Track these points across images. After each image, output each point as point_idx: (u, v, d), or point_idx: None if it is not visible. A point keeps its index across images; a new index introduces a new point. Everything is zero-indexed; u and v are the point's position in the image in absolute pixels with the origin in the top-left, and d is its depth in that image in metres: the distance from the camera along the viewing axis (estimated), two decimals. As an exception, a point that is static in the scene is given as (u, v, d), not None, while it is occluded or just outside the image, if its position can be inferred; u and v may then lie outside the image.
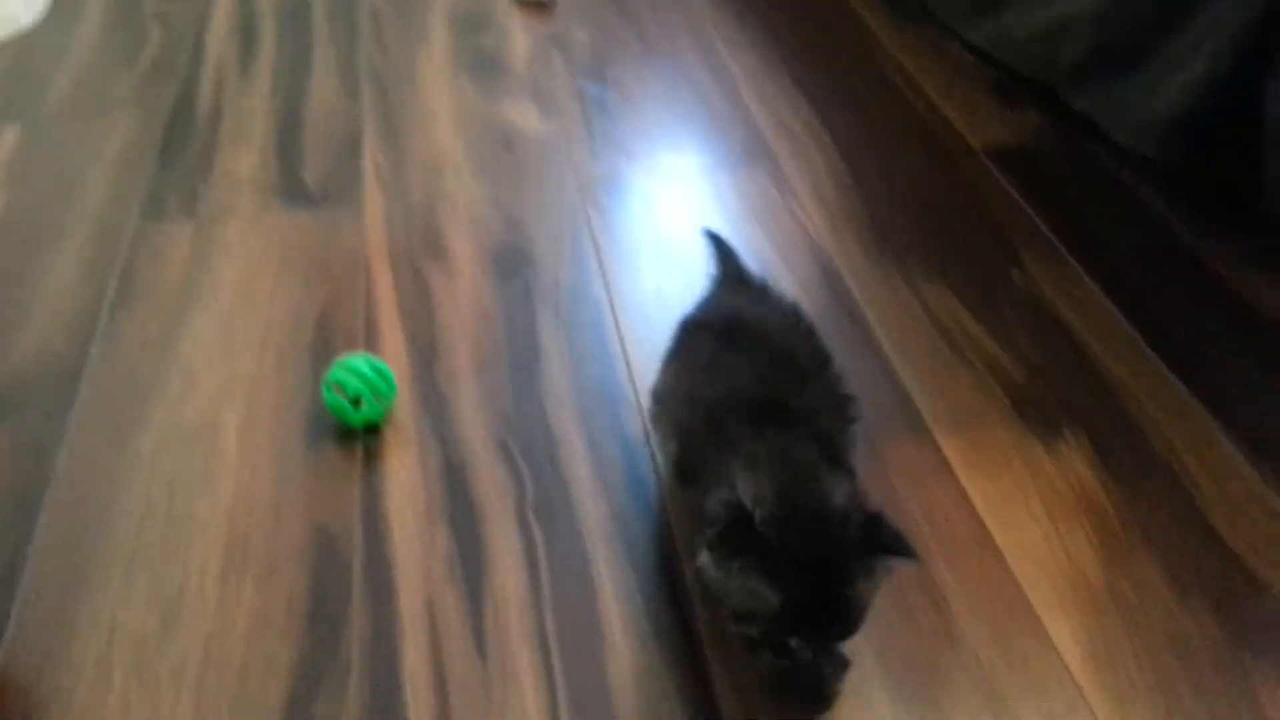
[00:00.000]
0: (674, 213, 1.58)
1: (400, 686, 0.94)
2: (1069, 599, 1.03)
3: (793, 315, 1.08)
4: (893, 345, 1.33)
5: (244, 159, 1.68)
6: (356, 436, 1.18)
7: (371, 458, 1.16)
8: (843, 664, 0.92)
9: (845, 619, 0.83)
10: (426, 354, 1.30)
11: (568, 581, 1.04)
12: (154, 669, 0.95)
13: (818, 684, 0.92)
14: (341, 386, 1.15)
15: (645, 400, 1.16)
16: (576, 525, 1.09)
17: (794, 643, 0.83)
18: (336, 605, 1.00)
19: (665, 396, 1.07)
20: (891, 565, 0.83)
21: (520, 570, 1.04)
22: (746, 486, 0.83)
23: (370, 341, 1.31)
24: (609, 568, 1.05)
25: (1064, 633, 1.01)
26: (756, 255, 1.45)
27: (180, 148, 1.70)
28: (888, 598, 0.99)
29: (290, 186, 1.61)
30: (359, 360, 1.17)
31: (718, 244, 1.29)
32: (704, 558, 0.83)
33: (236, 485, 1.12)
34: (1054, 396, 1.25)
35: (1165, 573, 1.06)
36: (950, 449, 1.18)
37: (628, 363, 1.29)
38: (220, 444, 1.17)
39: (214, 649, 0.96)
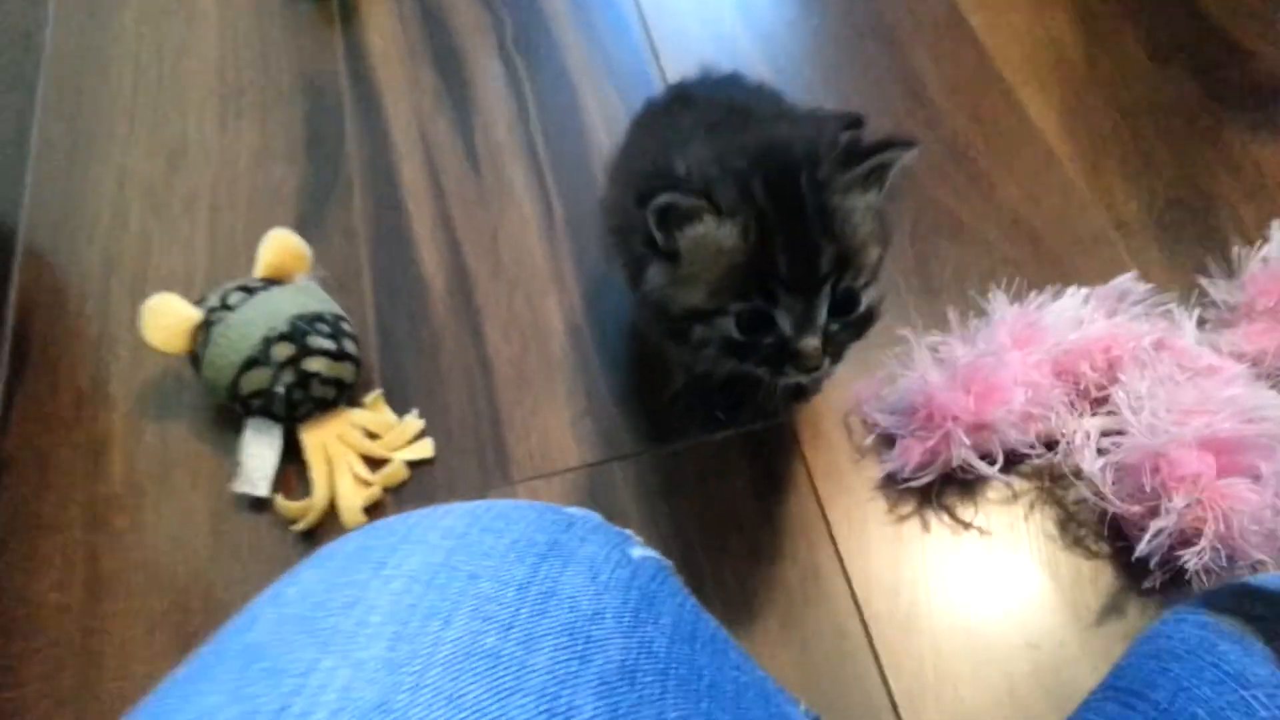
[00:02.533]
0: None
1: (401, 200, 0.99)
2: (1047, 75, 1.04)
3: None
4: None
5: None
6: (331, -6, 1.17)
7: (349, 11, 1.15)
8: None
9: (842, 257, 0.58)
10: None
11: (553, 106, 1.06)
12: (168, 205, 1.00)
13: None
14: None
15: (619, -71, 1.13)
16: (559, 56, 1.10)
17: (779, 304, 0.59)
18: (332, 138, 1.04)
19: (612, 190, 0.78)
20: (886, 161, 0.59)
21: (506, 98, 1.07)
22: (677, 159, 0.61)
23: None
24: (593, 91, 1.07)
25: (1041, 106, 1.02)
26: None
27: None
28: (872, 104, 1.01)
29: None
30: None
31: None
32: (650, 269, 0.63)
33: (220, 44, 1.13)
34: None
35: (1147, 45, 1.06)
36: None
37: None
38: (199, 9, 1.16)
39: (221, 182, 1.01)
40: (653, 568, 0.45)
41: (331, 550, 0.43)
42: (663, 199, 0.57)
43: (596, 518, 0.48)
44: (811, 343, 0.59)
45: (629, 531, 0.48)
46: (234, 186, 1.01)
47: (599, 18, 1.13)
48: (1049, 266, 0.91)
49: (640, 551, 0.46)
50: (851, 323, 0.62)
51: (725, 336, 0.60)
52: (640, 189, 0.58)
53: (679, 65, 1.07)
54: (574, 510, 0.47)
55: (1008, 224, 0.94)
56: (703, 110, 0.70)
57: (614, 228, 0.73)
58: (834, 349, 0.61)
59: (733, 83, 0.79)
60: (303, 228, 0.96)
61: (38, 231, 1.00)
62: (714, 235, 0.58)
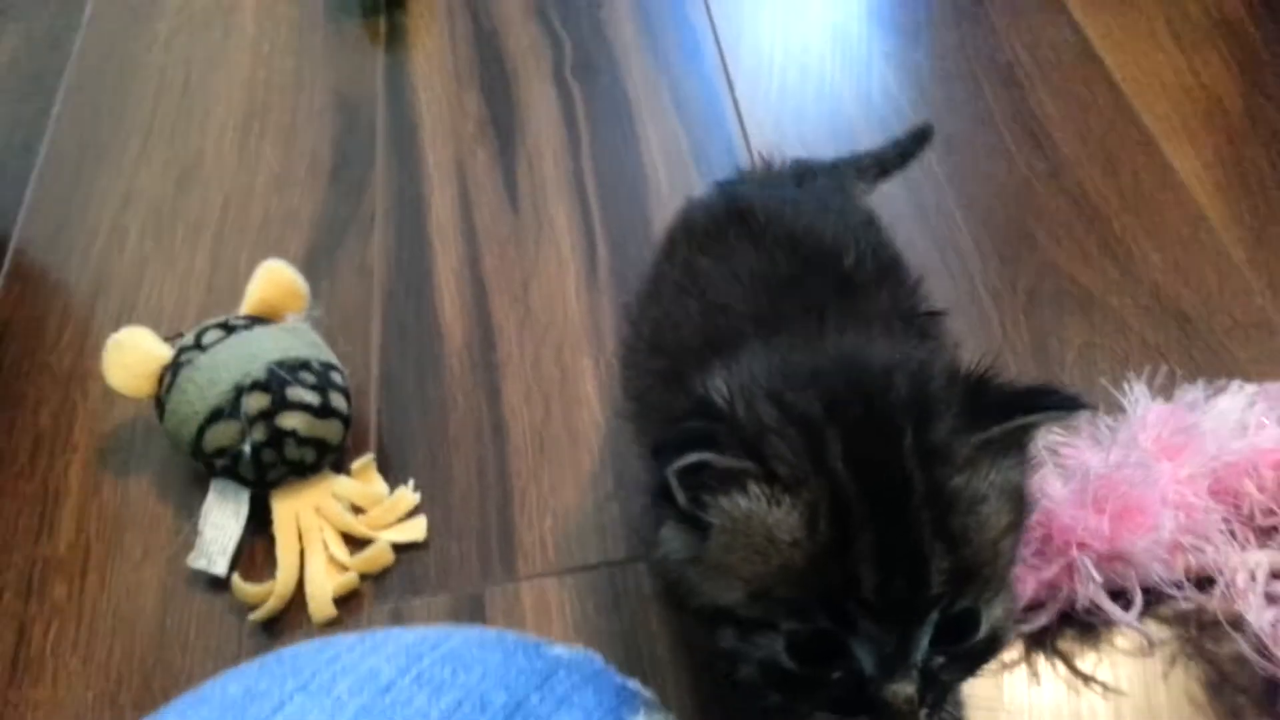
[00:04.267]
0: None
1: (427, 235, 0.86)
2: (1198, 127, 0.87)
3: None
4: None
5: None
6: (380, 11, 1.06)
7: (396, 30, 1.05)
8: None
9: (962, 571, 0.38)
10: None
11: (609, 140, 0.93)
12: (171, 228, 0.89)
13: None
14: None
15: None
16: (621, 85, 0.97)
17: (858, 633, 0.39)
18: (360, 164, 0.92)
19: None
20: (1036, 423, 0.41)
21: (556, 127, 0.94)
22: (720, 379, 0.43)
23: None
24: (654, 119, 0.93)
25: (1190, 161, 0.85)
26: None
27: None
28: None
29: None
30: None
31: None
32: (666, 529, 0.42)
33: (254, 59, 1.03)
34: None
35: (1322, 95, 0.88)
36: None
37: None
38: (238, 22, 1.07)
39: (233, 206, 0.90)
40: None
41: (209, 691, 0.31)
42: (689, 459, 0.38)
43: (594, 663, 0.35)
44: (904, 690, 0.38)
45: (636, 685, 0.34)
46: (245, 212, 0.89)
47: (669, 43, 1.00)
48: (1201, 355, 0.73)
49: (649, 717, 0.32)
50: (965, 653, 0.41)
51: (770, 660, 0.40)
52: (656, 433, 0.42)
53: (756, 99, 0.94)
54: (563, 651, 0.34)
55: (1148, 299, 0.77)
56: (763, 246, 0.53)
57: (627, 389, 0.56)
58: (935, 695, 0.40)
59: (806, 186, 0.62)
60: (313, 261, 0.84)
61: (31, 246, 0.90)
62: (763, 515, 0.38)
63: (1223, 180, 0.84)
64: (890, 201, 0.84)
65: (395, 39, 1.04)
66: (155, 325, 0.73)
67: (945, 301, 0.77)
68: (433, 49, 1.02)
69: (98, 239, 0.89)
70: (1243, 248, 0.80)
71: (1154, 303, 0.77)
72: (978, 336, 0.75)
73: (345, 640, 0.34)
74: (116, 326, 0.77)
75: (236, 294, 0.79)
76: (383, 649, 0.32)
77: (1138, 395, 0.65)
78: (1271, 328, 0.75)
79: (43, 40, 1.08)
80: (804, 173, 0.68)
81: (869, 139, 0.87)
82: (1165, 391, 0.66)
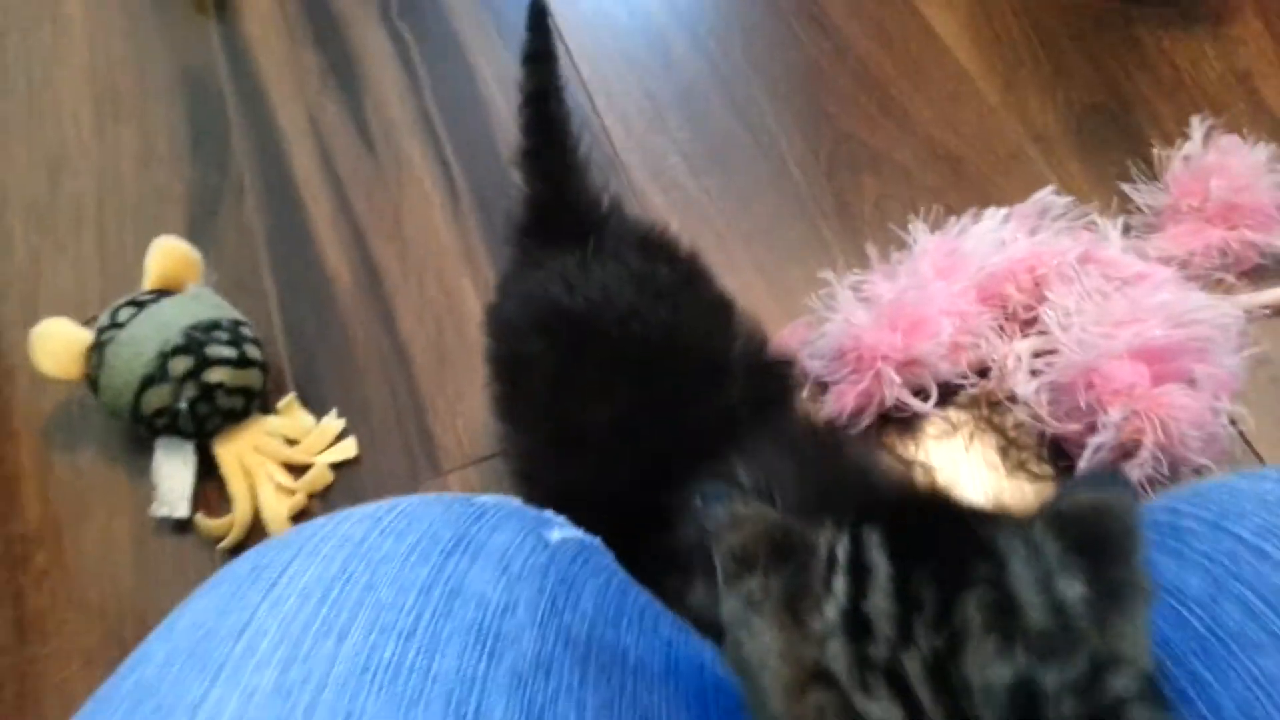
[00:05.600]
0: None
1: (295, 191, 0.94)
2: (952, -8, 1.01)
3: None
4: None
5: None
6: (204, -19, 1.11)
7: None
8: None
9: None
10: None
11: (444, 72, 1.01)
12: (52, 221, 0.95)
13: None
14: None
15: None
16: (446, 21, 1.05)
17: None
18: (216, 134, 0.99)
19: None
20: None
21: (395, 69, 1.02)
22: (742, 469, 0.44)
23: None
24: (484, 51, 1.02)
25: (946, 20, 0.99)
26: None
27: None
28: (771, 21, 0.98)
29: None
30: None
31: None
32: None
33: (91, 48, 1.06)
34: None
35: (1050, -51, 1.03)
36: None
37: None
38: (65, 13, 1.10)
39: (106, 191, 0.96)
40: (573, 549, 0.43)
41: (224, 574, 0.41)
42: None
43: (513, 503, 0.46)
44: None
45: (549, 513, 0.46)
46: (120, 195, 0.95)
47: (486, -25, 1.08)
48: (971, 190, 0.88)
49: (560, 534, 0.44)
50: None
51: None
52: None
53: (579, 22, 1.03)
54: (487, 499, 0.45)
55: (925, 151, 0.91)
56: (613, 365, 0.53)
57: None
58: None
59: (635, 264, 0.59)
60: (196, 231, 0.91)
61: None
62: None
63: (977, 36, 0.99)
64: (705, 95, 0.96)
65: (224, 6, 1.08)
66: (62, 314, 0.80)
67: (759, 176, 0.91)
68: (264, 10, 1.07)
69: (-19, 243, 0.94)
70: (997, 93, 0.95)
71: (930, 154, 0.91)
72: (790, 204, 0.89)
73: (318, 521, 0.45)
74: (26, 322, 0.83)
75: (130, 273, 0.87)
76: (350, 518, 0.43)
77: (918, 232, 0.80)
78: (1026, 157, 0.90)
79: None
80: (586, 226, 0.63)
81: (681, 43, 0.99)
82: (942, 224, 0.82)
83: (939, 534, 0.32)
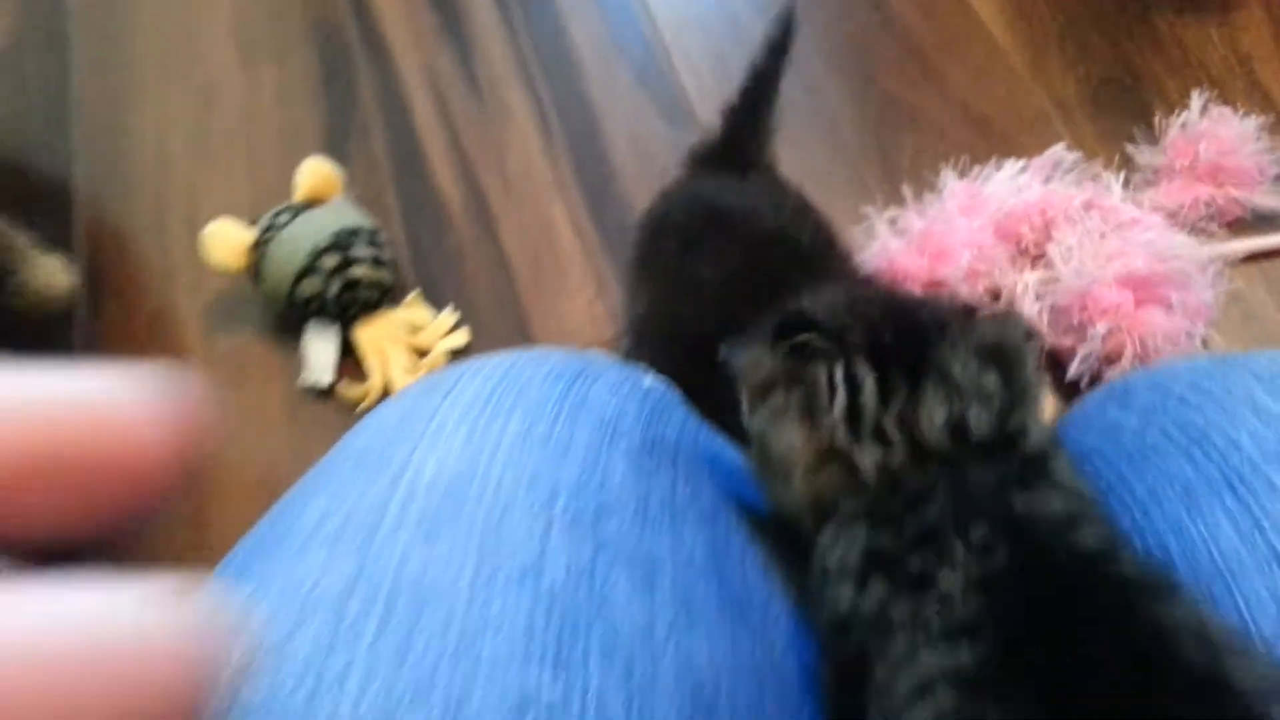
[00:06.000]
0: None
1: (415, 129, 1.10)
2: (992, -24, 1.15)
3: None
4: None
5: None
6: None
7: (350, -42, 1.25)
8: None
9: None
10: None
11: (542, 31, 1.17)
12: (206, 145, 1.12)
13: None
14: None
15: None
16: (547, -10, 1.21)
17: None
18: (345, 78, 1.15)
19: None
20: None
21: (499, 28, 1.17)
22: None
23: None
24: (577, 13, 1.17)
25: (986, 4, 1.13)
26: None
27: None
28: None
29: None
30: None
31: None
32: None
33: (234, 3, 1.23)
34: None
35: (1080, -60, 1.16)
36: None
37: None
38: (211, -34, 1.27)
39: (251, 123, 1.13)
40: (660, 389, 0.58)
41: (414, 386, 0.56)
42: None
43: (612, 358, 0.61)
44: None
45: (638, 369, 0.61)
46: (263, 127, 1.12)
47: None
48: (996, 146, 1.02)
49: (649, 380, 0.59)
50: None
51: None
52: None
53: (657, -12, 1.18)
54: (593, 352, 0.60)
55: (958, 112, 1.05)
56: (739, 245, 0.72)
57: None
58: None
59: (751, 180, 0.81)
60: (330, 159, 1.07)
61: (92, 179, 1.11)
62: None
63: (1010, 15, 1.12)
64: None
65: (351, -33, 1.24)
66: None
67: (813, 128, 1.05)
68: (384, -28, 1.24)
69: (148, 163, 1.11)
70: (1025, 65, 1.08)
71: (963, 114, 1.05)
72: (838, 153, 1.03)
73: (471, 359, 0.59)
74: (188, 228, 1.00)
75: (274, 191, 1.03)
76: (496, 357, 0.57)
77: (947, 179, 0.94)
78: (1046, 120, 1.04)
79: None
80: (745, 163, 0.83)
81: (748, 15, 1.13)
82: (968, 174, 0.96)
83: (905, 350, 0.47)
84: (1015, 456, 0.44)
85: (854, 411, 0.45)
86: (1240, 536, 0.45)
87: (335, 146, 1.09)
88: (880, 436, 0.44)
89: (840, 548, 0.44)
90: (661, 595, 0.44)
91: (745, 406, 0.51)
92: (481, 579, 0.41)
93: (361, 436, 0.51)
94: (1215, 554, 0.45)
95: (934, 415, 0.44)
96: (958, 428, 0.44)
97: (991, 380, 0.45)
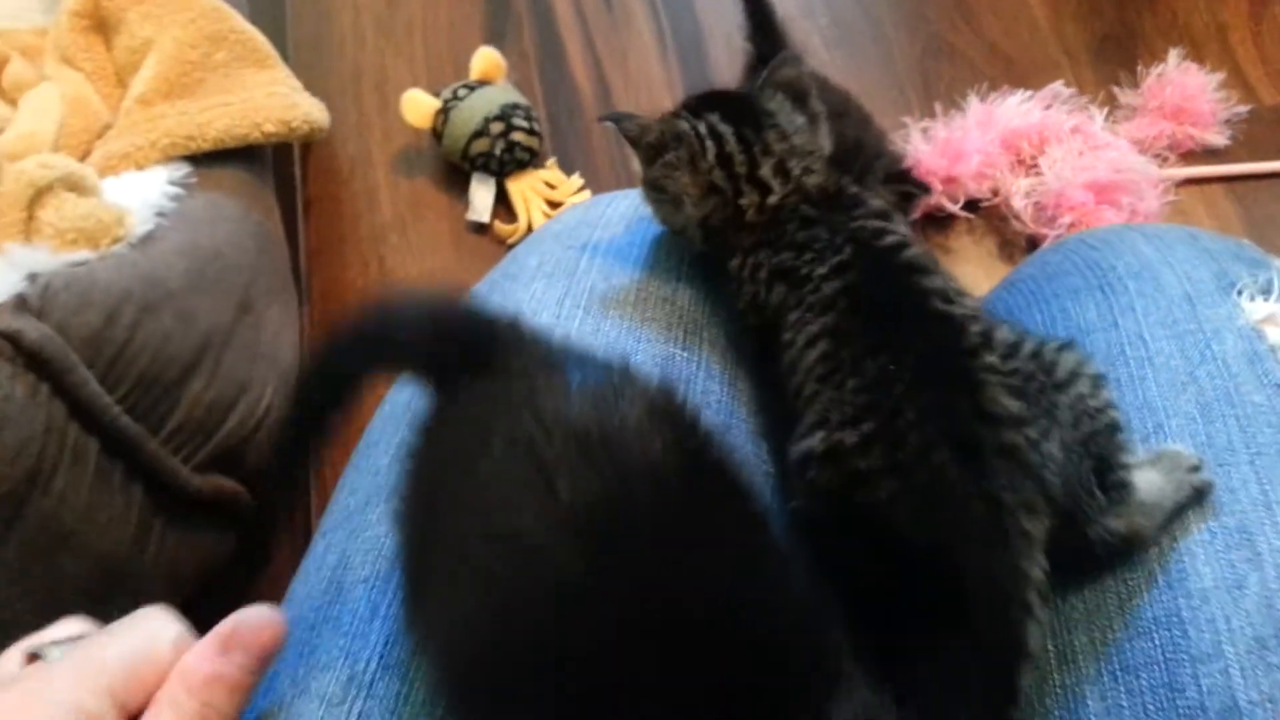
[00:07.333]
0: None
1: (558, 30, 1.40)
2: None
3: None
4: None
5: None
6: None
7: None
8: None
9: None
10: None
11: (662, -40, 1.45)
12: (392, 29, 1.42)
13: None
14: None
15: None
16: (665, -78, 1.48)
17: None
18: (503, -15, 1.44)
19: None
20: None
21: (627, -47, 1.46)
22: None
23: None
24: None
25: None
26: None
27: None
28: None
29: None
30: None
31: None
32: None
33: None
34: None
35: (1106, -82, 1.42)
36: None
37: None
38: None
39: (429, 13, 1.42)
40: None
41: (578, 205, 0.86)
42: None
43: None
44: None
45: None
46: (438, 17, 1.42)
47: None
48: (1015, 81, 1.30)
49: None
50: None
51: None
52: None
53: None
54: None
55: (989, 52, 1.33)
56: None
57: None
58: None
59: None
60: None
61: (300, 49, 1.42)
62: None
63: (1040, -25, 1.39)
64: (847, 12, 1.39)
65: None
66: (399, 92, 1.26)
67: (871, 55, 1.33)
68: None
69: (346, 39, 1.41)
70: (1046, 19, 1.35)
71: (991, 53, 1.33)
72: (889, 75, 1.32)
73: (604, 196, 0.90)
74: (377, 93, 1.31)
75: (444, 71, 1.33)
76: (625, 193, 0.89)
77: (970, 102, 1.23)
78: (1056, 63, 1.32)
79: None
80: None
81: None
82: (987, 99, 1.24)
83: (745, 107, 0.65)
84: (844, 194, 0.64)
85: (724, 158, 0.63)
86: (1099, 316, 0.75)
87: (494, 40, 1.39)
88: (757, 184, 0.63)
89: (749, 268, 0.62)
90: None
91: (641, 162, 0.67)
92: (641, 296, 0.72)
93: (556, 224, 0.81)
94: (1082, 324, 0.75)
95: (776, 147, 0.63)
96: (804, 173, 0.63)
97: (800, 120, 0.65)
